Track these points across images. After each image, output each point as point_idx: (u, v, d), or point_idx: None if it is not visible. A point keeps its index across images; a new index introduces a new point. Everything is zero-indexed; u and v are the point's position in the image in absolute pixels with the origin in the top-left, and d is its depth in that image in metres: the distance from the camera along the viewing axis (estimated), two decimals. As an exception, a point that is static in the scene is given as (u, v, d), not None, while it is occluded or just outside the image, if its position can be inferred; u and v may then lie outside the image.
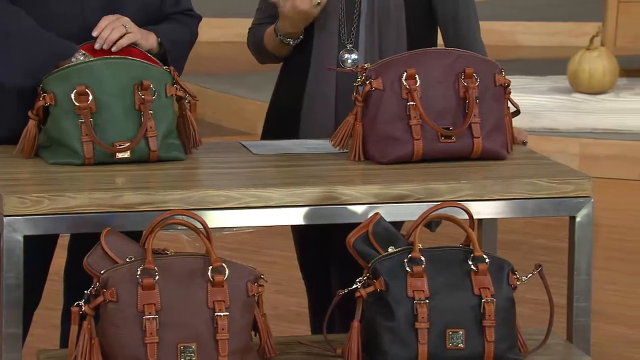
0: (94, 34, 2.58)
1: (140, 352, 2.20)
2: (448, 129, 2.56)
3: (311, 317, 2.94)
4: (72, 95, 2.49)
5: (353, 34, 2.74)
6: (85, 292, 2.25)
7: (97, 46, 2.57)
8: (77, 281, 2.59)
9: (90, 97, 2.49)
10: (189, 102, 2.56)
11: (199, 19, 2.77)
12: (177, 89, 2.54)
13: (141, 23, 2.65)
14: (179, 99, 2.56)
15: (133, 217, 2.34)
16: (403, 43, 2.75)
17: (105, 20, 2.59)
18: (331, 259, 2.86)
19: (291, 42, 2.76)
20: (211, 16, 7.14)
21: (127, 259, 2.26)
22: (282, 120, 2.83)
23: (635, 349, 3.58)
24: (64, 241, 2.75)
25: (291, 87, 2.81)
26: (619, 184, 5.31)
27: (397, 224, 2.45)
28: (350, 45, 2.74)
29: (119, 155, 2.51)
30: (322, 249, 2.86)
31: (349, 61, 2.74)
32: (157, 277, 2.22)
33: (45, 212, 2.31)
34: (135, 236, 2.34)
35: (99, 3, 2.61)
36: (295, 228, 2.88)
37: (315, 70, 2.76)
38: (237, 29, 7.89)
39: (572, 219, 2.47)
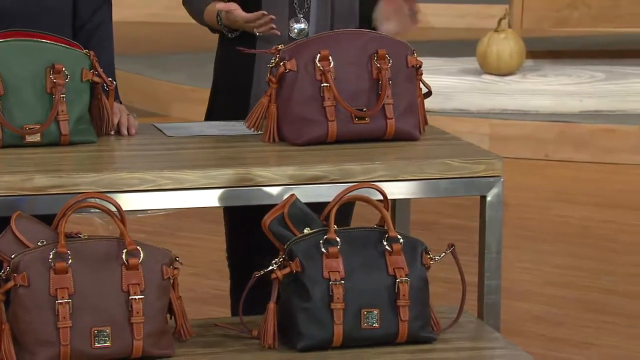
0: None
1: (53, 337, 2.17)
2: (362, 110, 2.57)
3: (232, 300, 2.91)
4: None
5: (307, 2, 2.67)
6: (-5, 276, 2.21)
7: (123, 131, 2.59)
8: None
9: (-2, 79, 2.45)
10: (106, 88, 2.54)
11: (110, 4, 2.72)
12: (93, 74, 2.51)
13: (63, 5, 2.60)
14: (95, 84, 2.53)
15: (44, 200, 2.31)
16: (356, 13, 2.71)
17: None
18: (258, 242, 2.82)
19: (230, 35, 2.71)
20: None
21: (39, 243, 2.23)
22: (232, 97, 2.73)
23: (541, 325, 3.64)
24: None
25: (239, 60, 2.70)
26: (526, 163, 5.39)
27: (321, 206, 2.44)
28: (302, 15, 2.68)
29: (29, 138, 2.48)
30: (252, 231, 2.82)
31: (295, 31, 2.69)
32: (70, 261, 2.19)
33: (-46, 196, 2.27)
34: (47, 220, 2.30)
35: None
36: (226, 209, 2.84)
37: (262, 42, 2.68)
38: (150, 9, 7.82)
39: (483, 198, 2.49)
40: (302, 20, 2.67)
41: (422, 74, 2.63)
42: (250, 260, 2.84)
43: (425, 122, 2.67)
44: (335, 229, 2.31)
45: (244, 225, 2.81)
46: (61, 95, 2.48)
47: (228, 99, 2.77)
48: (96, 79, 2.53)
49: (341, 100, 2.54)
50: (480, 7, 7.94)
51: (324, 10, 2.70)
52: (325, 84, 2.54)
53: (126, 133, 2.60)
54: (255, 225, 2.78)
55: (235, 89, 2.75)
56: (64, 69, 2.49)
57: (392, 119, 2.57)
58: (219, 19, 2.69)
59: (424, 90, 2.66)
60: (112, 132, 2.58)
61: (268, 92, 2.56)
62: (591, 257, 4.25)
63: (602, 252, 4.30)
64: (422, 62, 2.63)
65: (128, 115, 2.62)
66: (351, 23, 2.71)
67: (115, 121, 2.59)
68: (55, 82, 2.48)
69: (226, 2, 2.68)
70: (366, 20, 2.75)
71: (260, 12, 2.61)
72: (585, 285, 3.97)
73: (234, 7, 2.63)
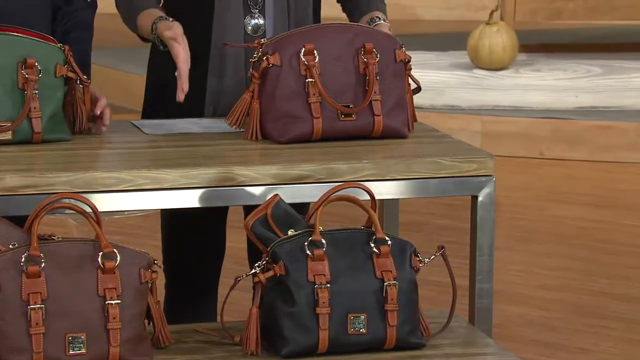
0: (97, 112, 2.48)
1: (25, 344, 2.12)
2: (348, 106, 2.52)
3: (167, 313, 2.72)
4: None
5: None
6: (-34, 281, 2.15)
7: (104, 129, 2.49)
8: None
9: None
10: (81, 84, 2.46)
11: (95, 9, 2.65)
12: (68, 70, 2.45)
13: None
14: (69, 80, 2.47)
15: (16, 201, 2.26)
16: (309, 6, 2.65)
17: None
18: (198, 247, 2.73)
19: (162, 48, 2.58)
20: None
21: (10, 246, 2.18)
22: (185, 99, 2.65)
23: (534, 329, 3.62)
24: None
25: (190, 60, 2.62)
26: (519, 162, 5.35)
27: (306, 206, 2.38)
28: (257, 10, 2.61)
29: (0, 136, 2.42)
30: (191, 236, 2.73)
31: (250, 27, 2.62)
32: (43, 264, 2.14)
33: None
34: (19, 221, 2.24)
35: None
36: (164, 215, 2.75)
37: (219, 39, 2.60)
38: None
39: (474, 198, 2.45)
40: (258, 16, 2.61)
41: (411, 68, 2.58)
42: (188, 268, 2.75)
43: (415, 119, 2.63)
44: (320, 230, 2.26)
45: (182, 231, 2.72)
46: (34, 92, 2.42)
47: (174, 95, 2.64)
48: (70, 74, 2.47)
49: (327, 96, 2.48)
50: None
51: (280, 4, 2.62)
52: (310, 79, 2.48)
53: (102, 129, 2.51)
54: (194, 230, 2.70)
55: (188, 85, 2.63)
56: (36, 63, 2.43)
57: (379, 115, 2.52)
58: (154, 27, 2.56)
59: (413, 85, 2.62)
60: (95, 131, 2.50)
61: (250, 88, 2.51)
62: (586, 259, 4.21)
63: (598, 254, 4.26)
64: (411, 57, 2.58)
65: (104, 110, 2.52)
66: (308, 17, 2.65)
67: (98, 111, 2.49)
68: (27, 78, 2.42)
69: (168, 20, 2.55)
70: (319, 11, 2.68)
71: (184, 79, 2.48)
72: (580, 288, 3.94)
73: (180, 40, 2.48)
